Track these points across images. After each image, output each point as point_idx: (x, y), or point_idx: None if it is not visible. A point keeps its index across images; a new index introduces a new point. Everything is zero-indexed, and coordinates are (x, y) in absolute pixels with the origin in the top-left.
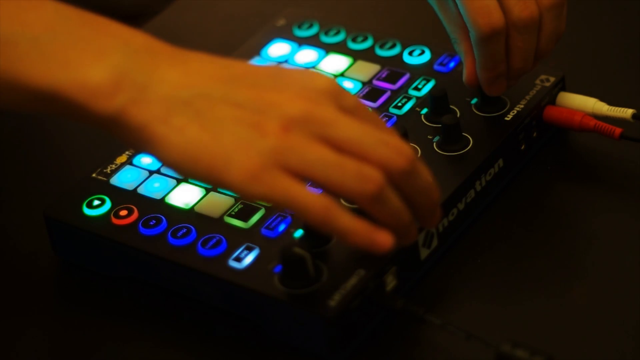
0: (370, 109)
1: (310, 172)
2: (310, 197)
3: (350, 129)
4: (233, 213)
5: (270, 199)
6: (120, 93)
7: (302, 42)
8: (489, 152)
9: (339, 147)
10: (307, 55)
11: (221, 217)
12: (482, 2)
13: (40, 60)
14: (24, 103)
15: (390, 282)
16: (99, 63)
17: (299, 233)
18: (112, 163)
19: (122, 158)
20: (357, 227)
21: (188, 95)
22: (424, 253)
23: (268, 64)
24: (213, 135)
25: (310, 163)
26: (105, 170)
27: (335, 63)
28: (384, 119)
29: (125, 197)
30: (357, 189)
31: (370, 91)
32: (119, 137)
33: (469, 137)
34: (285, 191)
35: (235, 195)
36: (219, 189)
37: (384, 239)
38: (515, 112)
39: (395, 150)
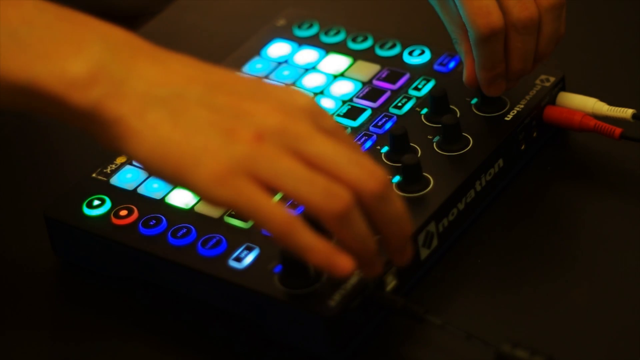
0: (349, 133)
1: (278, 183)
2: (273, 209)
3: (324, 146)
4: (233, 213)
5: (233, 205)
6: (97, 85)
7: (302, 42)
8: (489, 152)
9: (311, 162)
10: (307, 55)
11: (221, 217)
12: (481, 2)
13: (18, 53)
14: (3, 99)
15: (390, 282)
16: (77, 55)
17: None
18: (112, 163)
19: (122, 158)
20: (318, 246)
21: (165, 93)
22: (424, 253)
23: (253, 75)
24: (185, 135)
25: (279, 174)
26: (105, 170)
27: (335, 63)
28: (361, 142)
29: (125, 197)
30: (323, 205)
31: (370, 91)
32: (94, 133)
33: (469, 137)
34: (249, 199)
35: None
36: None
37: (344, 263)
38: (515, 112)
39: (368, 172)
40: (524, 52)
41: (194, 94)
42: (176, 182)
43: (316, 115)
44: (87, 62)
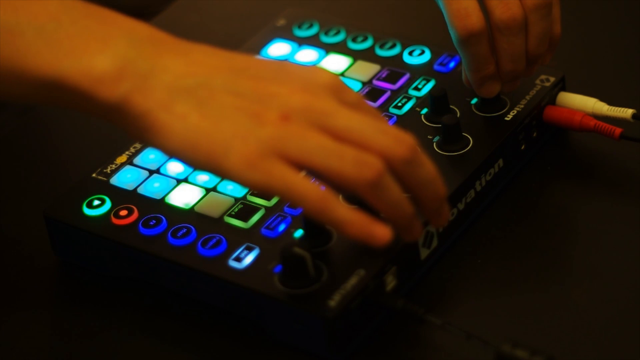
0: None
1: (308, 160)
2: (308, 186)
3: (350, 119)
4: (233, 213)
5: (267, 187)
6: (124, 81)
7: (302, 42)
8: (489, 152)
9: (338, 136)
10: (307, 55)
11: (221, 217)
12: (461, 3)
13: (45, 49)
14: (29, 93)
15: (390, 282)
16: (103, 51)
17: (299, 233)
18: (112, 163)
19: (122, 158)
20: (354, 218)
21: (191, 84)
22: (424, 253)
23: (271, 59)
24: (213, 122)
25: (309, 150)
26: (105, 170)
27: (335, 63)
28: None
29: (125, 197)
30: (356, 175)
31: (370, 91)
32: (122, 126)
33: (469, 137)
34: (283, 179)
35: (235, 195)
36: (219, 189)
37: (382, 232)
38: (515, 112)
39: (396, 139)
40: (512, 52)
41: (218, 82)
42: (209, 169)
43: (339, 90)
44: (113, 58)
